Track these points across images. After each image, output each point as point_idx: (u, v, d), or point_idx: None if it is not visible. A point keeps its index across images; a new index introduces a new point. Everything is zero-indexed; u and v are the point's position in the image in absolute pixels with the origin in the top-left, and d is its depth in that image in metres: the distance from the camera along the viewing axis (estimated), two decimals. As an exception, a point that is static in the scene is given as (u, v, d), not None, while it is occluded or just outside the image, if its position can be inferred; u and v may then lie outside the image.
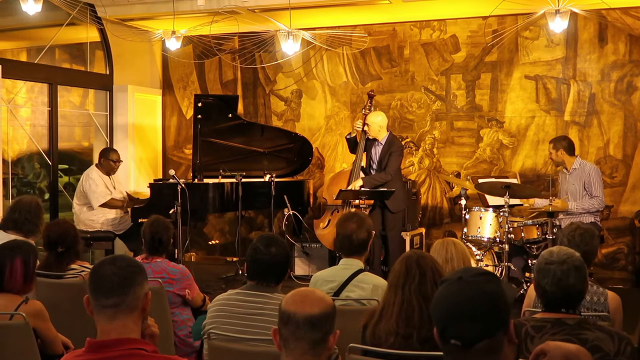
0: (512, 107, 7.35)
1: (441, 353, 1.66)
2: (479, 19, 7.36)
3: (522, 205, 6.54)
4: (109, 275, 1.99)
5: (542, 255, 2.52)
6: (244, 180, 6.85)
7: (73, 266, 3.94)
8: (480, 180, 6.25)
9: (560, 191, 6.22)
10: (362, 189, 6.34)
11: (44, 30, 7.54)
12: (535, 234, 5.86)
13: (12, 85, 7.21)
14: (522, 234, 5.85)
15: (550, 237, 5.63)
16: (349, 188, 6.46)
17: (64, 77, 7.61)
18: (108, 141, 8.07)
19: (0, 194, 6.44)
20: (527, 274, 5.90)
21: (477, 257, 5.94)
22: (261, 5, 6.94)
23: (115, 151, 7.03)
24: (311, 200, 7.69)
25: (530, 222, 5.91)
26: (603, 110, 7.04)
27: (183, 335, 3.90)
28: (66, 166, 8.37)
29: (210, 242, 8.58)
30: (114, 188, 6.92)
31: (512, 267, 5.85)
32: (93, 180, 6.71)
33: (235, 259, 7.58)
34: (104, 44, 8.01)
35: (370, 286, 3.32)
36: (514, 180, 6.44)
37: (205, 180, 6.87)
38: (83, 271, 3.86)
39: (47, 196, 7.44)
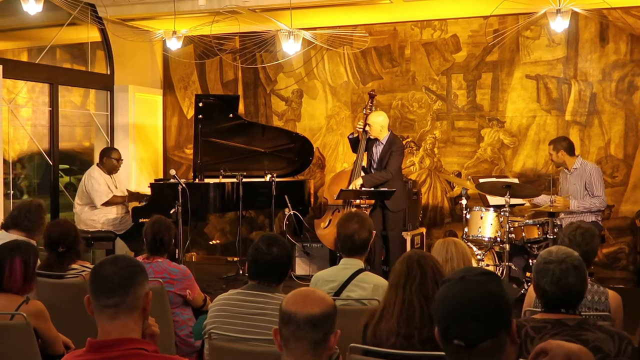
0: (513, 106, 7.35)
1: (442, 353, 1.66)
2: (480, 18, 7.36)
3: (523, 205, 6.54)
4: (109, 275, 1.99)
5: (540, 255, 2.51)
6: (244, 180, 6.86)
7: (74, 266, 3.94)
8: (481, 180, 6.25)
9: (561, 191, 6.21)
10: (363, 188, 6.33)
11: (45, 30, 7.54)
12: (536, 233, 5.86)
13: (13, 85, 7.21)
14: (523, 234, 5.85)
15: (551, 237, 5.62)
16: (350, 188, 6.46)
17: (65, 77, 7.61)
18: (109, 141, 8.07)
19: (1, 193, 6.45)
20: (527, 274, 5.89)
21: (478, 257, 5.94)
22: (262, 5, 6.94)
23: (117, 150, 7.04)
24: (312, 200, 7.69)
25: (531, 221, 5.91)
26: (604, 110, 7.03)
27: (184, 335, 3.90)
28: (67, 166, 8.38)
29: (211, 242, 8.58)
30: (116, 187, 6.92)
31: (513, 266, 5.85)
32: (95, 179, 6.71)
33: (236, 259, 7.58)
34: (105, 44, 8.01)
35: (371, 286, 3.32)
36: (515, 180, 6.44)
37: (206, 180, 6.87)
38: (84, 271, 3.86)
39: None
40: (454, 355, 1.61)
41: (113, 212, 6.80)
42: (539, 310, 2.50)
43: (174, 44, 7.33)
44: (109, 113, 8.13)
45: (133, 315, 2.00)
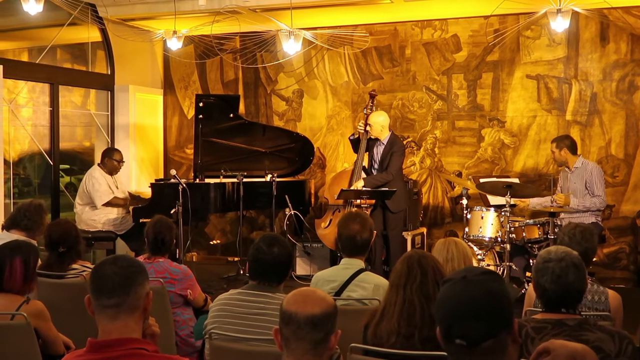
0: (513, 106, 7.35)
1: (442, 353, 1.66)
2: (481, 18, 7.36)
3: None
4: (110, 275, 1.99)
5: (540, 254, 2.51)
6: (245, 180, 6.86)
7: (74, 266, 3.94)
8: (481, 180, 6.25)
9: (562, 190, 6.21)
10: (363, 188, 6.33)
11: (46, 30, 7.54)
12: (536, 233, 5.85)
13: (14, 86, 7.21)
14: (524, 234, 5.85)
15: (552, 237, 5.61)
16: (351, 188, 6.46)
17: (66, 77, 7.61)
18: (109, 141, 8.07)
19: (1, 194, 6.45)
20: (528, 274, 5.88)
21: (479, 257, 5.93)
22: (262, 5, 6.93)
23: (119, 151, 7.04)
24: (312, 200, 7.70)
25: (531, 221, 5.90)
26: (605, 110, 7.03)
27: (184, 335, 3.90)
28: (67, 166, 8.38)
29: (211, 242, 8.58)
30: (117, 188, 6.93)
31: (514, 266, 5.84)
32: (96, 179, 6.72)
33: (236, 259, 7.58)
34: (106, 44, 8.01)
35: (372, 286, 3.32)
36: (516, 180, 6.43)
37: (207, 180, 6.87)
38: (84, 271, 3.86)
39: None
40: (456, 355, 1.61)
41: (114, 212, 6.80)
42: (539, 310, 2.49)
43: (175, 44, 7.33)
44: (109, 113, 8.13)
45: (134, 315, 2.00)
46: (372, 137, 6.52)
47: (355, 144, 6.75)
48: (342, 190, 6.35)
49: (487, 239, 5.97)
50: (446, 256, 3.22)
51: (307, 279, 6.31)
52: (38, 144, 7.39)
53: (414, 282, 2.56)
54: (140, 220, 6.35)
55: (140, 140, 8.30)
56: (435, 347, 2.24)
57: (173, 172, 6.43)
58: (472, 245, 6.00)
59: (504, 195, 5.71)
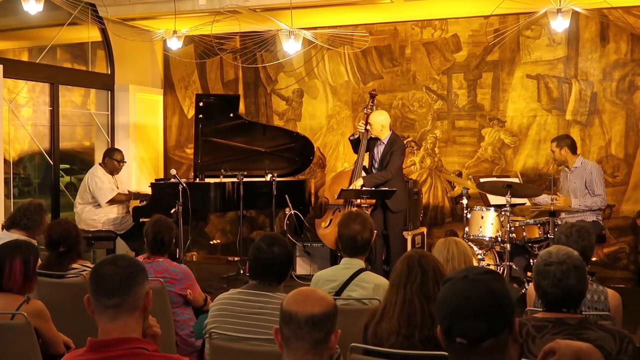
0: (513, 106, 7.35)
1: (443, 352, 1.66)
2: (481, 18, 7.35)
3: (523, 204, 6.53)
4: (110, 275, 1.99)
5: (540, 256, 2.50)
6: (245, 179, 6.86)
7: (74, 266, 3.94)
8: (481, 180, 6.24)
9: (562, 190, 6.21)
10: (364, 188, 6.33)
11: (46, 30, 7.54)
12: (537, 233, 5.85)
13: (14, 85, 7.21)
14: (524, 233, 5.84)
15: (552, 237, 5.61)
16: (351, 187, 6.46)
17: (66, 76, 7.61)
18: (109, 141, 8.07)
19: (1, 193, 6.45)
20: (528, 274, 5.88)
21: (479, 257, 5.93)
22: (262, 5, 6.93)
23: (120, 151, 7.04)
24: (312, 199, 7.69)
25: (532, 221, 5.90)
26: (605, 110, 7.03)
27: (184, 334, 3.90)
28: (67, 166, 8.38)
29: (211, 242, 8.58)
30: (117, 187, 6.92)
31: (514, 266, 5.84)
32: (99, 177, 6.72)
33: (236, 259, 7.58)
34: (106, 43, 8.01)
35: (372, 285, 3.32)
36: (516, 180, 6.43)
37: (207, 180, 6.87)
38: (84, 271, 3.86)
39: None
40: (457, 354, 1.61)
41: (114, 211, 6.80)
42: (540, 309, 2.49)
43: (175, 44, 7.33)
44: (109, 113, 8.13)
45: (134, 315, 1.99)
46: (373, 136, 6.52)
47: (355, 144, 6.75)
48: (342, 190, 6.35)
49: (487, 239, 5.97)
50: (446, 256, 3.22)
51: (307, 278, 6.31)
52: (38, 144, 7.39)
53: (414, 281, 2.56)
54: (140, 220, 6.35)
55: (141, 140, 8.30)
56: (436, 347, 2.24)
57: (173, 171, 6.43)
58: (473, 245, 6.00)
59: (504, 195, 5.71)
